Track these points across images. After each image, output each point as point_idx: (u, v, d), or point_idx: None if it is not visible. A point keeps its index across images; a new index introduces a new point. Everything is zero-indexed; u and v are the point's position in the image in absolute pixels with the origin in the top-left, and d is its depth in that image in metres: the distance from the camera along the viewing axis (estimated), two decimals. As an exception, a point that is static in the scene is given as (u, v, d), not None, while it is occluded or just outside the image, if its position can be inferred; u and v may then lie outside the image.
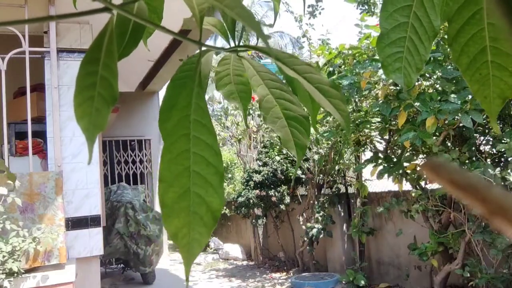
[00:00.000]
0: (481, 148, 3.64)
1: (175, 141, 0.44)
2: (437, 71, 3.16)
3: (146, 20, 0.53)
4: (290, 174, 6.05)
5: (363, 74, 3.58)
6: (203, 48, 0.51)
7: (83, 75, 0.46)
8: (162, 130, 0.46)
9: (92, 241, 3.48)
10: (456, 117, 3.01)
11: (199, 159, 0.44)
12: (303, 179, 5.67)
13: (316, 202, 5.30)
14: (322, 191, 5.42)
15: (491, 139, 3.49)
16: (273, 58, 0.51)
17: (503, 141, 3.24)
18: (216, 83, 0.62)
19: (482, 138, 3.61)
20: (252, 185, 6.30)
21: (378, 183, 4.93)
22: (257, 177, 6.26)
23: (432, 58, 3.17)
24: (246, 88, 0.63)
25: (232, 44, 0.57)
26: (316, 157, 5.25)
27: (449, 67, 3.18)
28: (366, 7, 4.21)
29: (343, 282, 4.61)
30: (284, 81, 0.61)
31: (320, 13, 5.65)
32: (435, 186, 3.62)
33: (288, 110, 0.58)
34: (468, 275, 3.40)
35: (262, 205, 6.28)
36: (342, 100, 0.53)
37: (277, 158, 6.26)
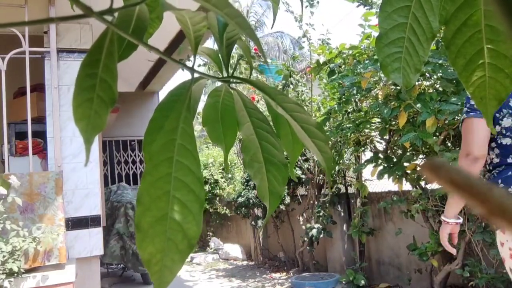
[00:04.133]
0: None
1: (158, 164, 0.43)
2: (437, 72, 3.16)
3: (137, 35, 0.53)
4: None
5: (364, 74, 3.57)
6: (196, 75, 0.50)
7: (83, 76, 0.47)
8: (146, 152, 0.45)
9: (92, 241, 3.48)
10: (456, 117, 3.01)
11: (181, 185, 0.43)
12: (303, 179, 5.67)
13: (316, 202, 5.30)
14: (322, 191, 5.41)
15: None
16: (263, 93, 0.50)
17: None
18: (203, 117, 0.61)
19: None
20: (252, 185, 6.30)
21: (378, 183, 4.93)
22: (257, 177, 6.25)
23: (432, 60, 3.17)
24: (233, 129, 0.61)
25: (225, 75, 0.56)
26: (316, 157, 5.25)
27: (450, 67, 3.18)
28: (368, 7, 4.18)
29: (343, 282, 4.61)
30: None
31: (318, 1, 5.59)
32: (435, 186, 3.62)
33: (270, 155, 0.57)
34: (468, 275, 3.40)
35: (262, 205, 6.28)
36: (326, 142, 0.52)
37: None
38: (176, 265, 0.42)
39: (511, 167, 1.77)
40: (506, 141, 1.79)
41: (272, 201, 0.57)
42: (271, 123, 0.58)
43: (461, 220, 1.91)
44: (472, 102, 1.85)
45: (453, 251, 1.93)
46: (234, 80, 0.55)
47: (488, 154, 1.84)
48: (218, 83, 0.59)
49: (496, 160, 1.82)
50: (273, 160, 0.56)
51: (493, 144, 1.83)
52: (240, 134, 0.59)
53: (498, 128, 1.81)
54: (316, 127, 0.51)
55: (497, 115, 1.82)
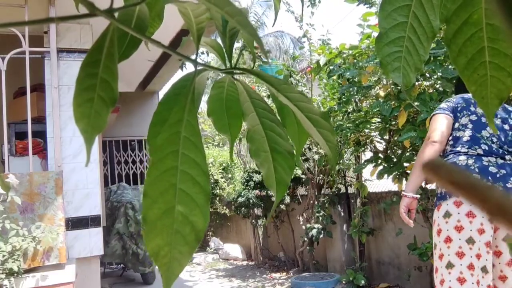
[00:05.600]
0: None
1: (164, 157, 0.43)
2: (437, 71, 3.16)
3: (140, 31, 0.52)
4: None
5: (366, 68, 3.57)
6: (199, 67, 0.50)
7: (83, 77, 0.46)
8: (150, 145, 0.45)
9: (92, 241, 3.48)
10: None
11: (186, 177, 0.43)
12: (303, 179, 5.67)
13: (316, 202, 5.30)
14: (322, 191, 5.41)
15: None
16: (267, 83, 0.50)
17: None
18: (208, 108, 0.61)
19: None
20: (252, 185, 6.30)
21: (378, 183, 4.93)
22: (257, 177, 6.25)
23: (432, 58, 3.17)
24: (238, 119, 0.61)
25: (228, 66, 0.56)
26: (316, 157, 5.26)
27: (450, 67, 3.18)
28: (368, 6, 4.17)
29: (343, 282, 4.61)
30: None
31: (319, 1, 5.58)
32: (435, 186, 3.62)
33: (276, 144, 0.57)
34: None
35: (262, 205, 6.28)
36: (331, 131, 0.52)
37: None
38: (184, 257, 0.42)
39: (457, 153, 2.09)
40: (459, 134, 2.12)
41: (279, 189, 0.58)
42: (276, 113, 0.58)
43: (418, 196, 2.13)
44: (442, 106, 2.21)
45: (410, 223, 2.11)
46: (238, 71, 0.55)
47: (446, 145, 2.17)
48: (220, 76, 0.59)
49: (449, 149, 2.15)
50: (279, 149, 0.57)
51: (450, 137, 2.16)
52: (245, 125, 0.59)
53: (456, 125, 2.14)
54: (321, 116, 0.52)
55: (458, 114, 2.15)
